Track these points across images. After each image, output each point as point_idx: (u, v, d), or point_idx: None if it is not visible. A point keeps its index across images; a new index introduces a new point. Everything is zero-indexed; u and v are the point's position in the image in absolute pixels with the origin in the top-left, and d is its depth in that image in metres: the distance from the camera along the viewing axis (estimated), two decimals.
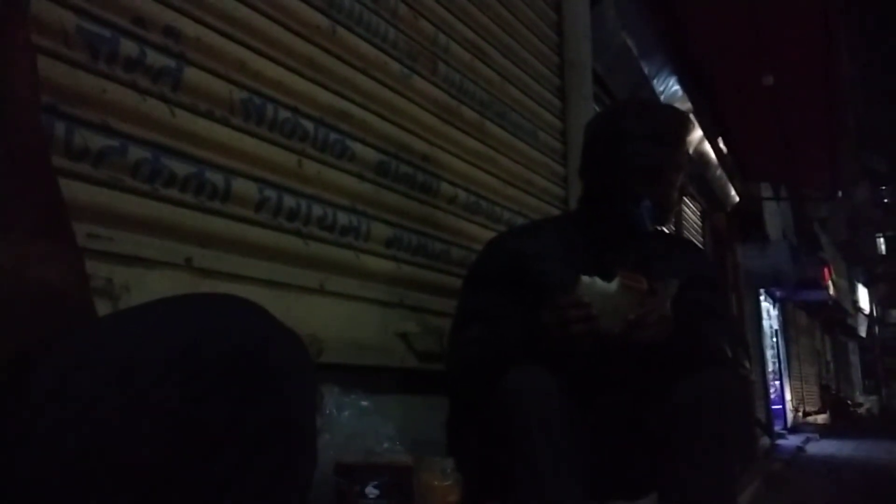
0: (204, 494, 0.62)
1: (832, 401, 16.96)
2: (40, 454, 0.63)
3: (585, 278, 1.42)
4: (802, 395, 14.15)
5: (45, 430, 0.63)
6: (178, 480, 0.62)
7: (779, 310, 12.98)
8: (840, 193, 11.00)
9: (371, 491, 1.27)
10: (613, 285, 1.40)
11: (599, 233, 1.67)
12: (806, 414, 14.02)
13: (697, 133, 6.09)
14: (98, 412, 0.62)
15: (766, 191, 9.08)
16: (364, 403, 1.42)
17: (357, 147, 1.83)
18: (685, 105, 5.57)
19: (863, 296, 20.23)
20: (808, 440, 10.04)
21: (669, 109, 1.86)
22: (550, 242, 1.67)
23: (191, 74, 1.40)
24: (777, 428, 10.38)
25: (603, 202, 1.67)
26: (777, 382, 12.02)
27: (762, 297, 11.11)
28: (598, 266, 1.47)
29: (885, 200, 21.42)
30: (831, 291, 13.16)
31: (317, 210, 1.69)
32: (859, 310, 19.59)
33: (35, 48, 0.86)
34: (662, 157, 1.63)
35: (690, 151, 6.09)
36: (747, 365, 1.69)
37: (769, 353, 11.54)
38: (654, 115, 1.69)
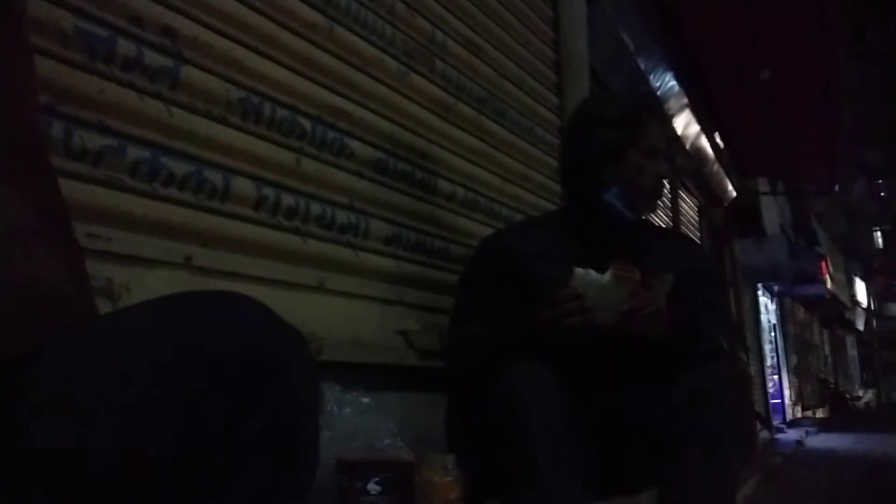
0: (205, 492, 0.62)
1: (831, 394, 16.98)
2: (41, 454, 0.62)
3: (579, 270, 1.43)
4: (801, 390, 14.17)
5: (46, 429, 0.63)
6: (180, 478, 0.62)
7: (777, 304, 12.99)
8: (837, 188, 11.01)
9: (373, 487, 1.27)
10: (606, 276, 1.41)
11: (589, 228, 1.68)
12: (804, 408, 14.03)
13: (694, 128, 6.10)
14: (99, 411, 0.62)
15: (763, 185, 9.08)
16: (365, 401, 1.42)
17: (355, 145, 1.83)
18: (682, 100, 5.58)
19: (860, 289, 20.26)
20: (806, 434, 10.04)
21: (634, 94, 1.88)
22: (545, 239, 1.68)
23: (188, 73, 1.41)
24: (776, 422, 10.40)
25: (580, 196, 1.69)
26: (775, 377, 12.03)
27: (760, 292, 11.12)
28: (592, 261, 1.47)
29: (882, 194, 21.43)
30: (829, 285, 13.19)
31: (315, 208, 1.69)
32: (857, 303, 19.63)
33: (33, 48, 0.86)
34: (620, 139, 1.63)
35: (688, 146, 6.10)
36: (744, 357, 1.70)
37: (767, 348, 11.55)
38: (615, 100, 1.73)
